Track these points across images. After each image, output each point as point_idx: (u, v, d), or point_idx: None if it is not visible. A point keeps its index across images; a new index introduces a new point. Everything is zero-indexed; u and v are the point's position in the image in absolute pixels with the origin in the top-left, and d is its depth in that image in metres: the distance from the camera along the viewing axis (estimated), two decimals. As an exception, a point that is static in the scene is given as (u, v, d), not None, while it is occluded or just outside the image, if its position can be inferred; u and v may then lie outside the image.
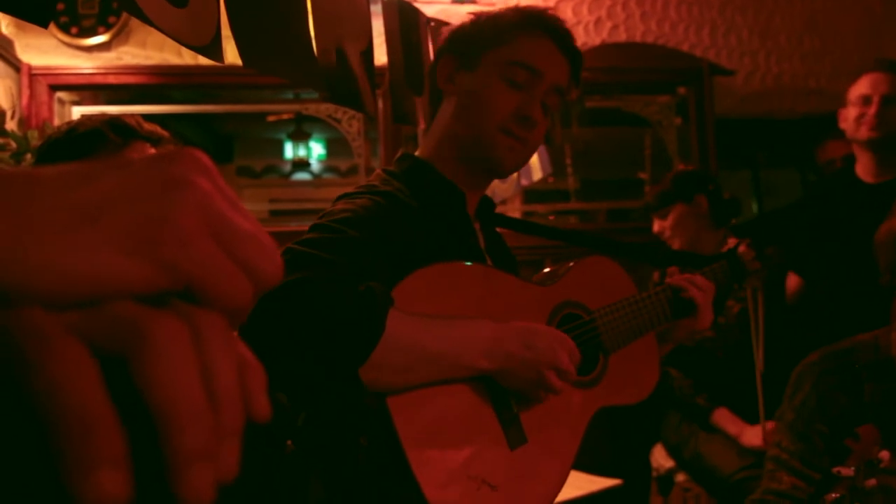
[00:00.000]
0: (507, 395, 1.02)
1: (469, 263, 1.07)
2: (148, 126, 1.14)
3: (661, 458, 2.51)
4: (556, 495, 1.06)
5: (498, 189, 3.27)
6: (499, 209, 3.65)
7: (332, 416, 0.99)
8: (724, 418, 2.32)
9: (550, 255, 2.96)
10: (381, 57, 1.38)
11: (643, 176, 3.60)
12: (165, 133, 1.13)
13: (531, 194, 3.67)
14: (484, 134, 1.10)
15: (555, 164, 3.20)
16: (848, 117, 2.27)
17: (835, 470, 0.90)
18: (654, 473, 2.54)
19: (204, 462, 0.24)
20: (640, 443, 2.64)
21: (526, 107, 1.09)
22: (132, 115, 1.14)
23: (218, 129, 5.14)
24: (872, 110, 2.19)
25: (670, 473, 2.45)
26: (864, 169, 2.30)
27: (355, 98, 1.23)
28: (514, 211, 3.57)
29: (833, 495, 0.89)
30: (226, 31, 0.92)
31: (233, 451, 0.26)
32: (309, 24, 1.10)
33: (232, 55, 0.96)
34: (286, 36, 1.02)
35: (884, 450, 0.92)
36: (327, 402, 0.98)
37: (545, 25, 1.12)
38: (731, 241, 1.45)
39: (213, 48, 0.88)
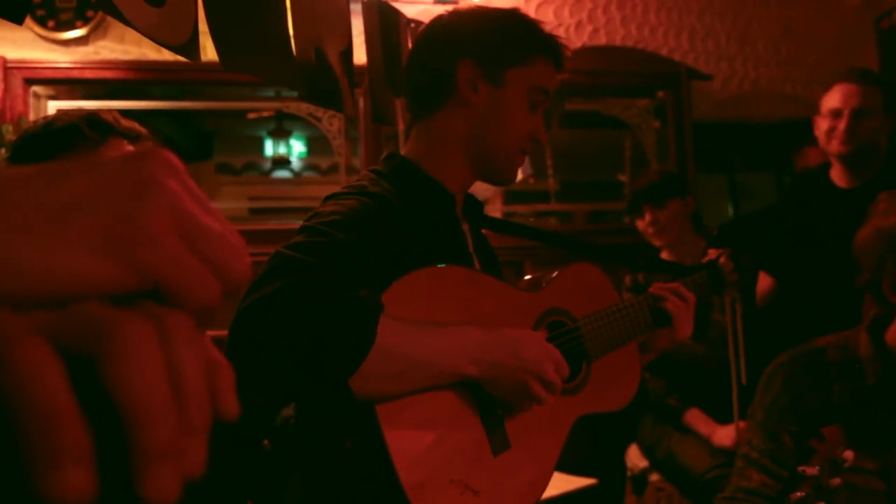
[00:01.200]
0: (492, 402, 1.03)
1: (458, 267, 1.07)
2: (125, 122, 1.13)
3: (635, 459, 2.54)
4: (536, 500, 1.07)
5: (478, 189, 3.27)
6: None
7: (318, 419, 0.99)
8: (695, 419, 2.35)
9: (530, 257, 2.98)
10: (360, 57, 1.38)
11: (623, 178, 3.63)
12: (143, 130, 1.12)
13: (512, 195, 3.69)
14: (507, 153, 1.15)
15: (535, 166, 3.22)
16: (820, 128, 2.30)
17: (800, 469, 0.92)
18: (629, 473, 2.57)
19: (168, 460, 0.25)
20: (616, 443, 2.67)
21: (540, 129, 1.16)
22: (109, 111, 1.12)
23: (198, 125, 5.09)
24: (843, 125, 2.20)
25: (644, 473, 2.48)
26: (837, 175, 2.33)
27: (334, 98, 1.23)
28: (495, 211, 3.58)
29: (798, 494, 0.91)
30: (203, 28, 0.91)
31: (199, 449, 0.27)
32: (288, 23, 1.09)
33: (210, 52, 0.95)
34: (264, 35, 1.02)
35: (848, 450, 0.94)
36: (314, 405, 0.98)
37: (556, 52, 1.16)
38: (712, 253, 1.47)
39: (189, 47, 0.88)
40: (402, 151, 1.20)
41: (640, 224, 2.52)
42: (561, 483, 2.21)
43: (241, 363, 0.83)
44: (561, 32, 3.35)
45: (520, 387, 1.00)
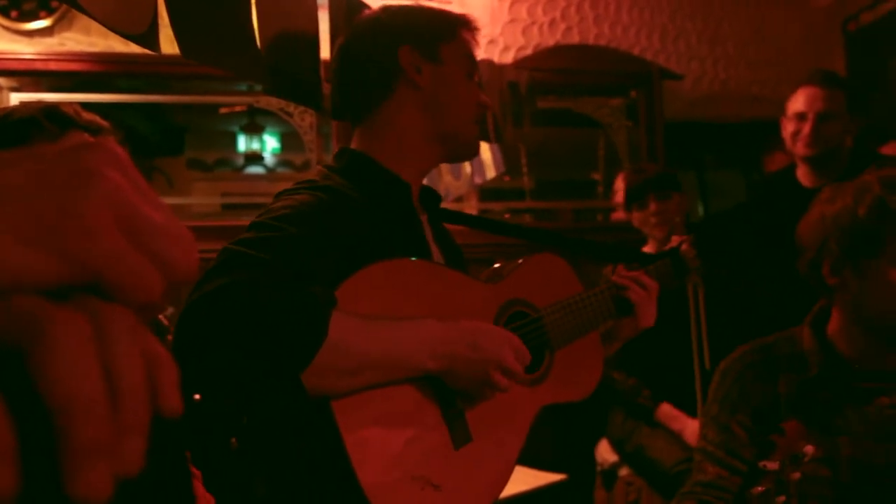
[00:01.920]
0: (453, 395, 1.02)
1: (416, 260, 1.06)
2: (87, 115, 1.11)
3: (605, 453, 2.56)
4: (499, 492, 1.07)
5: (451, 186, 3.28)
6: (455, 207, 3.66)
7: (273, 417, 0.98)
8: (666, 415, 2.38)
9: (502, 253, 2.98)
10: (327, 51, 1.37)
11: (596, 177, 3.65)
12: (105, 123, 1.10)
13: (487, 193, 3.70)
14: (465, 124, 1.17)
15: (510, 164, 3.23)
16: (786, 129, 2.34)
17: (760, 464, 0.94)
18: (599, 468, 2.59)
19: (99, 457, 0.24)
20: (586, 438, 2.69)
21: (484, 97, 1.20)
22: (70, 104, 1.10)
23: (168, 120, 5.02)
24: (807, 128, 2.25)
25: (614, 468, 2.50)
26: (803, 175, 2.38)
27: (300, 92, 1.21)
28: (471, 209, 3.59)
29: (759, 489, 0.93)
30: (165, 20, 0.89)
31: (136, 447, 0.26)
32: (252, 14, 1.08)
33: (172, 44, 0.94)
34: (227, 26, 1.00)
35: (808, 444, 0.96)
36: (268, 402, 0.96)
37: (469, 21, 1.21)
38: (675, 239, 1.49)
39: (148, 37, 0.86)
40: (353, 145, 1.19)
41: (640, 216, 2.51)
42: (530, 479, 2.22)
43: (187, 360, 0.82)
44: (535, 30, 3.37)
45: (480, 377, 1.00)
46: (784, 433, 0.95)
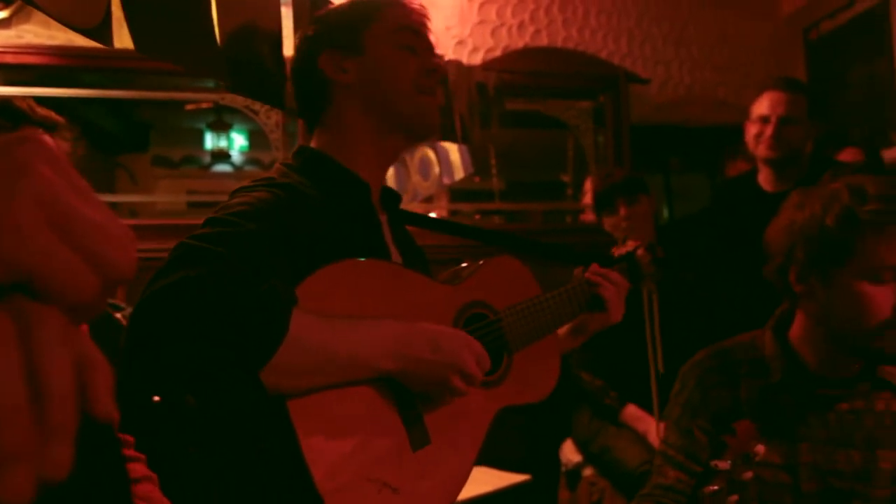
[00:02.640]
0: (411, 396, 1.02)
1: (374, 260, 1.06)
2: (42, 111, 1.08)
3: (570, 454, 2.58)
4: (456, 494, 1.07)
5: (420, 187, 3.28)
6: (425, 208, 3.65)
7: (229, 416, 0.97)
8: (632, 416, 2.40)
9: (467, 255, 2.99)
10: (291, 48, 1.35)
11: (566, 178, 3.68)
12: (60, 119, 1.08)
13: (457, 193, 3.70)
14: (405, 99, 1.14)
15: (479, 165, 3.24)
16: (750, 133, 2.39)
17: (713, 464, 0.95)
18: (563, 468, 2.60)
19: (19, 463, 0.24)
20: (550, 439, 2.70)
21: (427, 60, 1.16)
22: (24, 98, 1.08)
23: (133, 116, 4.94)
24: (769, 131, 2.30)
25: (578, 468, 2.52)
26: (764, 178, 2.42)
27: (263, 90, 1.20)
28: (441, 209, 3.59)
29: (712, 488, 0.94)
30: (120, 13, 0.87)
31: (62, 450, 0.26)
32: (211, 8, 1.06)
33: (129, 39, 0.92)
34: (185, 21, 0.98)
35: (759, 444, 0.98)
36: (223, 401, 0.95)
37: None
38: (630, 244, 1.50)
39: (101, 31, 0.84)
40: (312, 144, 1.18)
41: (610, 220, 2.54)
42: (494, 480, 2.23)
43: (140, 357, 0.80)
44: (503, 32, 3.38)
45: (440, 381, 1.00)
46: (735, 433, 0.97)
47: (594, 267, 1.33)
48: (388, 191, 1.25)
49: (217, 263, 0.85)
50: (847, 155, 2.83)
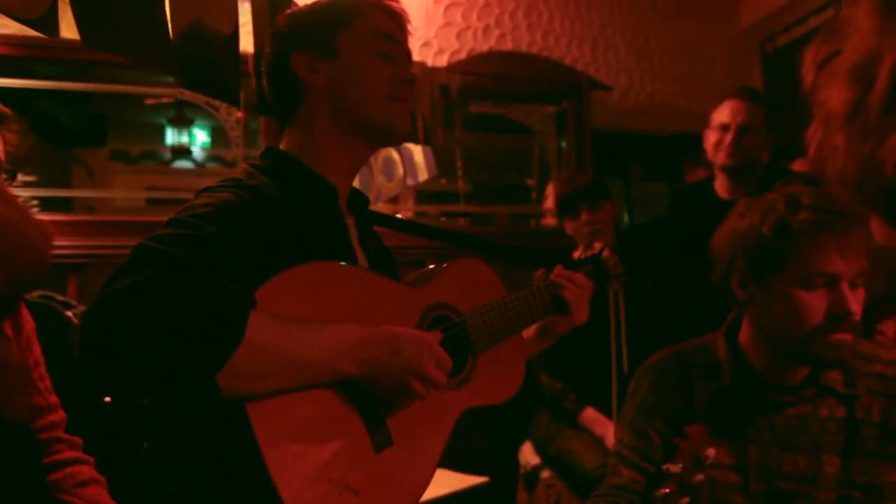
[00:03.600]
0: (374, 399, 1.02)
1: (338, 263, 1.05)
2: None
3: (528, 456, 2.60)
4: (419, 496, 1.07)
5: (384, 187, 3.27)
6: (391, 209, 3.64)
7: (185, 419, 0.95)
8: (590, 419, 2.43)
9: (433, 256, 2.99)
10: (249, 44, 1.33)
11: (530, 182, 3.71)
12: (7, 110, 1.05)
13: (423, 195, 3.70)
14: (377, 107, 1.12)
15: (444, 166, 3.24)
16: (709, 140, 2.44)
17: (664, 467, 0.97)
18: (522, 470, 2.62)
19: None
20: (509, 441, 2.72)
21: (402, 70, 1.15)
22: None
23: (90, 108, 4.82)
24: (729, 139, 2.36)
25: (536, 470, 2.54)
26: (721, 186, 2.48)
27: (216, 85, 1.18)
28: (407, 211, 3.58)
29: (663, 490, 0.96)
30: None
31: None
32: (164, 2, 1.04)
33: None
34: (135, 13, 0.96)
35: (710, 447, 1.00)
36: (180, 404, 0.93)
37: (379, 2, 1.17)
38: (597, 246, 1.52)
39: (46, 21, 0.82)
40: (281, 146, 1.17)
41: (573, 225, 2.58)
42: (452, 482, 2.23)
43: (93, 358, 0.79)
44: (469, 35, 3.39)
45: (400, 384, 1.00)
46: (687, 437, 0.99)
47: (559, 269, 1.34)
48: (356, 193, 1.24)
49: (174, 267, 0.84)
50: (799, 165, 2.91)
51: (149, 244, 0.87)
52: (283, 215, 1.04)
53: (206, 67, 1.14)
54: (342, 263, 1.06)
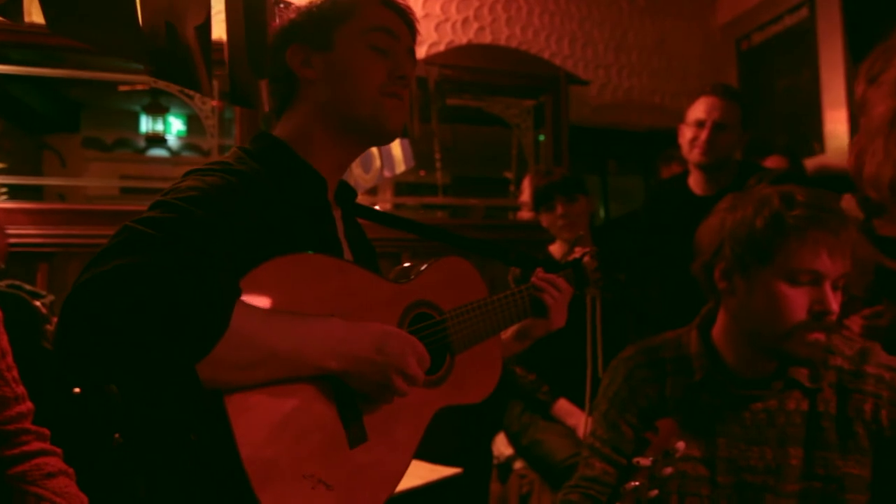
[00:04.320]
0: (352, 395, 1.02)
1: (324, 256, 1.05)
2: None
3: (502, 447, 2.62)
4: (391, 491, 1.07)
5: (361, 179, 3.26)
6: (369, 200, 3.61)
7: (161, 409, 0.94)
8: (563, 410, 2.46)
9: (409, 249, 3.00)
10: (221, 32, 1.31)
11: (509, 175, 3.72)
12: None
13: (403, 187, 3.70)
14: (367, 101, 1.11)
15: (423, 159, 3.24)
16: (684, 137, 2.46)
17: (634, 460, 0.98)
18: (495, 461, 2.64)
19: None
20: (482, 432, 2.73)
21: (399, 66, 1.13)
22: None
23: (64, 95, 4.74)
24: (704, 135, 2.37)
25: (509, 461, 2.56)
26: (695, 182, 2.50)
27: (186, 74, 1.16)
28: (385, 203, 3.58)
29: (633, 483, 0.97)
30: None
31: None
32: (133, -12, 1.02)
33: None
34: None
35: (680, 441, 1.02)
36: (157, 394, 0.92)
37: None
38: (578, 251, 1.53)
39: (11, 7, 0.80)
40: (274, 132, 1.16)
41: (548, 218, 2.59)
42: (426, 473, 2.24)
43: (71, 346, 0.77)
44: (448, 27, 3.39)
45: (383, 381, 1.00)
46: (657, 431, 1.00)
47: (539, 272, 1.35)
48: (343, 185, 1.24)
49: (159, 252, 0.82)
50: (772, 162, 2.95)
51: (134, 226, 0.85)
52: (271, 203, 1.02)
53: (176, 56, 1.12)
54: (327, 256, 1.05)
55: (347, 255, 1.17)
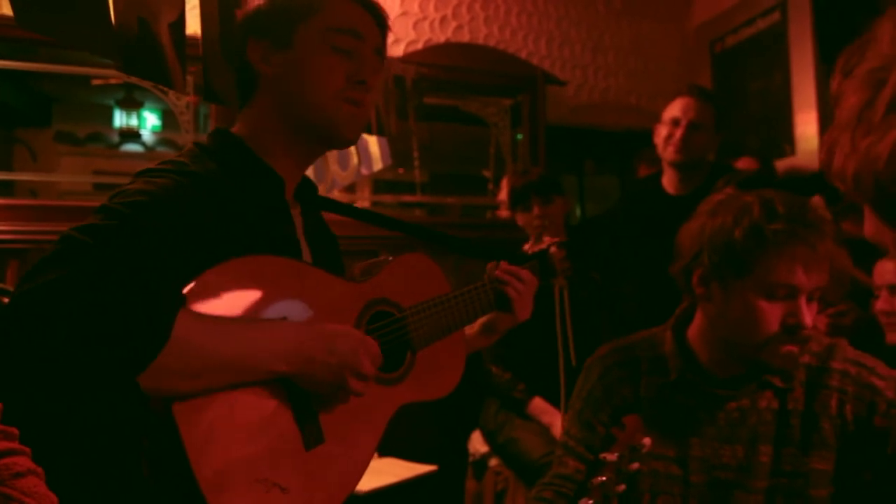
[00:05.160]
0: (307, 396, 1.01)
1: (279, 258, 1.03)
2: None
3: (477, 444, 2.63)
4: (349, 491, 1.07)
5: (338, 176, 3.25)
6: (348, 198, 3.60)
7: (109, 418, 0.93)
8: (538, 408, 2.47)
9: (386, 247, 2.99)
10: (196, 27, 1.29)
11: (487, 174, 3.73)
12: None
13: (381, 185, 3.69)
14: (324, 105, 1.07)
15: (402, 156, 3.24)
16: (660, 135, 2.49)
17: (601, 456, 1.00)
18: (471, 459, 2.65)
19: None
20: (458, 430, 2.75)
21: (359, 70, 1.09)
22: None
23: (35, 88, 4.66)
24: (678, 134, 2.41)
25: (484, 458, 2.58)
26: (668, 181, 2.53)
27: (158, 70, 1.15)
28: (363, 200, 3.57)
29: (600, 479, 0.99)
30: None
31: None
32: (104, -17, 1.00)
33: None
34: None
35: (647, 437, 1.03)
36: (105, 403, 0.91)
37: None
38: (546, 240, 1.54)
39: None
40: (233, 129, 1.13)
41: (524, 217, 2.61)
42: (401, 471, 2.25)
43: (8, 357, 0.77)
44: (426, 25, 3.39)
45: (336, 381, 0.99)
46: (624, 427, 1.02)
47: (503, 265, 1.33)
48: (305, 182, 1.21)
49: (96, 262, 0.81)
50: (743, 163, 3.00)
51: (73, 235, 0.84)
52: (225, 205, 1.00)
53: (148, 52, 1.11)
54: (281, 257, 1.04)
55: (307, 254, 1.15)
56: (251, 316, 0.96)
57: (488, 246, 1.44)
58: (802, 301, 1.19)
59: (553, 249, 1.46)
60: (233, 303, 0.94)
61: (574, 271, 1.49)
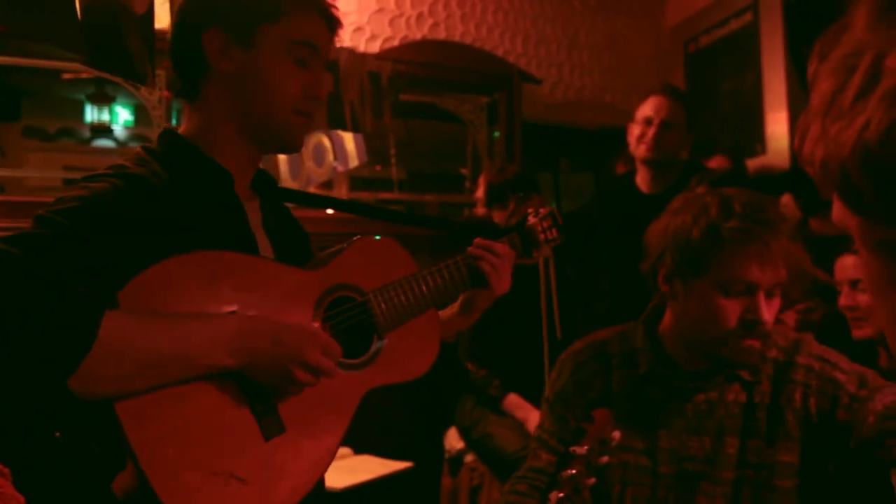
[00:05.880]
0: (263, 388, 1.01)
1: (226, 252, 1.02)
2: None
3: (453, 441, 2.64)
4: (315, 479, 1.06)
5: (313, 173, 3.24)
6: (324, 194, 3.57)
7: (64, 421, 0.93)
8: (513, 404, 2.49)
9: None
10: (166, 21, 1.28)
11: (464, 171, 3.74)
12: None
13: (358, 182, 3.68)
14: (278, 116, 1.08)
15: (379, 154, 3.23)
16: (632, 134, 2.51)
17: (571, 449, 1.01)
18: (447, 455, 2.66)
19: None
20: (433, 426, 2.75)
21: (315, 86, 1.10)
22: None
23: (3, 82, 4.57)
24: (651, 132, 2.43)
25: (461, 454, 2.59)
26: (642, 179, 2.56)
27: (125, 65, 1.13)
28: (340, 197, 3.55)
29: (570, 472, 1.00)
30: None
31: None
32: (69, -25, 0.99)
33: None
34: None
35: (616, 430, 1.05)
36: (50, 407, 0.91)
37: (318, 4, 1.11)
38: (528, 210, 1.47)
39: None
40: (180, 130, 1.12)
41: (500, 215, 2.63)
42: (377, 467, 2.25)
43: None
44: (402, 22, 3.39)
45: (283, 373, 0.99)
46: (593, 420, 1.03)
47: (478, 240, 1.30)
48: (261, 174, 1.20)
49: (18, 272, 0.83)
50: (715, 162, 3.04)
51: (1, 246, 0.85)
52: (168, 205, 0.99)
53: (115, 46, 1.09)
54: (229, 252, 1.03)
55: (265, 246, 1.13)
56: (194, 312, 0.96)
57: (458, 222, 1.39)
58: (761, 297, 1.22)
59: (531, 220, 1.38)
60: (175, 300, 0.94)
61: (559, 241, 1.41)
